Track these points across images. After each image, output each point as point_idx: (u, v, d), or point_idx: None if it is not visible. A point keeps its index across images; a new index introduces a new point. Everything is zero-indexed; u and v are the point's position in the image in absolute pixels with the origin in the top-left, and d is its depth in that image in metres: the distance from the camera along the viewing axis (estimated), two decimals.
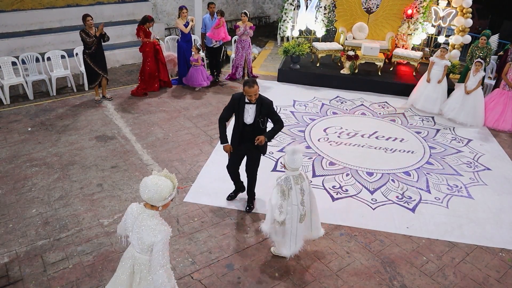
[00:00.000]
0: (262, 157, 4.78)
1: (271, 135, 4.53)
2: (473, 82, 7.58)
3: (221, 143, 4.63)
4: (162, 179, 2.71)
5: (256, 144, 4.43)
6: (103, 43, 7.39)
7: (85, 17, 7.12)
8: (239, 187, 5.06)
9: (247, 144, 4.57)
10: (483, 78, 8.13)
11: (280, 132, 6.87)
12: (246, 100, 4.36)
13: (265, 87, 8.91)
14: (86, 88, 8.25)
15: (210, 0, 9.51)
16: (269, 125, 4.61)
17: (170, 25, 12.01)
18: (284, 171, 3.92)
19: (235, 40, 9.85)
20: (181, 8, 8.39)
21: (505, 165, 6.38)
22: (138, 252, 2.81)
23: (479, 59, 7.59)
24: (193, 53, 8.47)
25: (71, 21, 9.56)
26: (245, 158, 4.79)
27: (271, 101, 4.47)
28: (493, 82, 8.76)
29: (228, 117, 4.58)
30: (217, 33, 8.59)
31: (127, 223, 2.83)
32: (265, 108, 4.42)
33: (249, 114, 4.42)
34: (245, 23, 8.64)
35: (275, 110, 4.55)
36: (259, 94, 4.37)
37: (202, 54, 9.60)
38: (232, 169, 4.85)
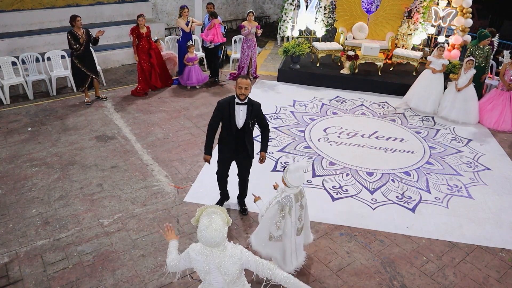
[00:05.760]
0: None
1: (266, 146, 4.54)
2: (464, 80, 7.60)
3: (205, 152, 4.54)
4: (210, 220, 2.42)
5: (261, 163, 4.59)
6: (95, 46, 7.35)
7: (74, 17, 7.04)
8: (224, 196, 4.96)
9: (240, 152, 4.49)
10: (484, 78, 8.15)
11: (280, 133, 6.95)
12: (237, 101, 4.20)
13: (265, 87, 8.92)
14: (75, 90, 8.08)
15: (209, 0, 9.51)
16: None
17: (170, 25, 12.01)
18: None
19: (235, 40, 9.87)
20: (182, 8, 8.39)
21: (505, 165, 6.38)
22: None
23: (470, 57, 7.60)
24: (188, 52, 8.46)
25: None
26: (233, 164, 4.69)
27: (260, 103, 4.36)
28: (493, 82, 8.75)
29: (217, 125, 4.42)
30: (206, 35, 8.60)
31: (194, 266, 2.58)
32: (256, 109, 4.29)
33: (241, 116, 4.26)
34: (251, 22, 8.64)
35: (263, 114, 4.44)
36: (248, 97, 4.23)
37: (201, 53, 9.60)
38: (224, 177, 4.78)
